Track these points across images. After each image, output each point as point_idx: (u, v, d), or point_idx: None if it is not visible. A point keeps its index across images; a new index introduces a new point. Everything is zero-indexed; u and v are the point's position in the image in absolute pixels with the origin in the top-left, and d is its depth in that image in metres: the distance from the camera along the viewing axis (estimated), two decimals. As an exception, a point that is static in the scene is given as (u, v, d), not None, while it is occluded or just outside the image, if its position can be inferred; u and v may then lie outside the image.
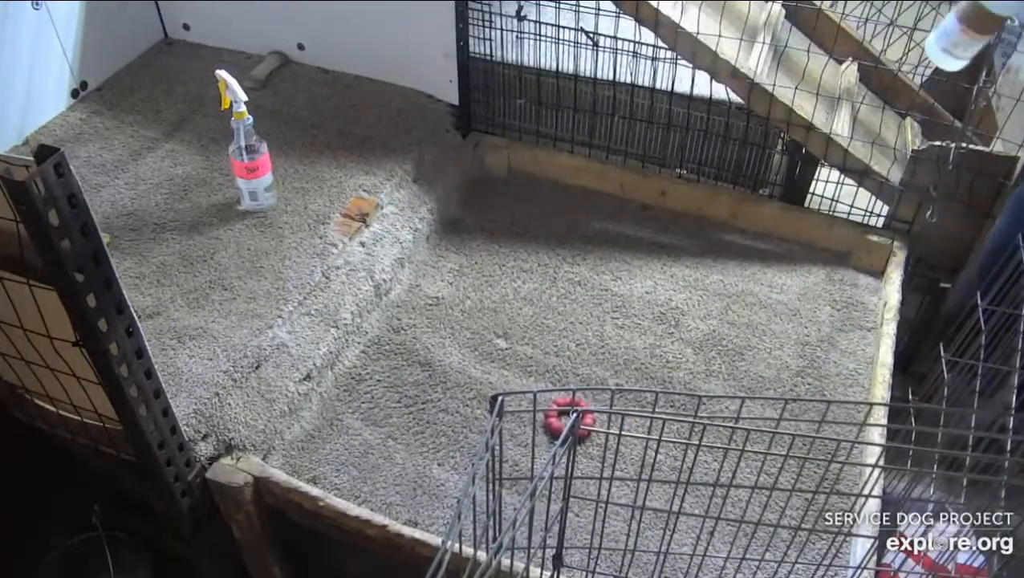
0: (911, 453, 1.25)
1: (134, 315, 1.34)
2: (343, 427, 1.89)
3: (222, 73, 2.05)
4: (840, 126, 2.27)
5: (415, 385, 1.98)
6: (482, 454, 1.03)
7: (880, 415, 1.83)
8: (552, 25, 2.29)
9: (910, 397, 1.81)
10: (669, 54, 2.25)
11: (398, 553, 1.61)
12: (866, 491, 1.24)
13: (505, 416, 1.11)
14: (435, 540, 1.59)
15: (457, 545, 0.99)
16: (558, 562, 1.38)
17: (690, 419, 1.15)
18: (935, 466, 1.37)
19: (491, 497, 1.17)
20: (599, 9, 2.22)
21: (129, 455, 1.60)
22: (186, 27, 2.84)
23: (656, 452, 1.57)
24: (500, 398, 1.10)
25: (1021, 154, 2.10)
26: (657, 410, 1.88)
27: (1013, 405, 1.39)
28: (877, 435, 1.74)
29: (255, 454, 1.75)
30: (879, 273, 2.28)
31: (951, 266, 2.33)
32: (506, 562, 1.28)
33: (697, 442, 1.15)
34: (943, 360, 1.52)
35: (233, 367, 1.80)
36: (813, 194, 2.42)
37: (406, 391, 1.96)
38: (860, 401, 1.94)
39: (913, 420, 1.28)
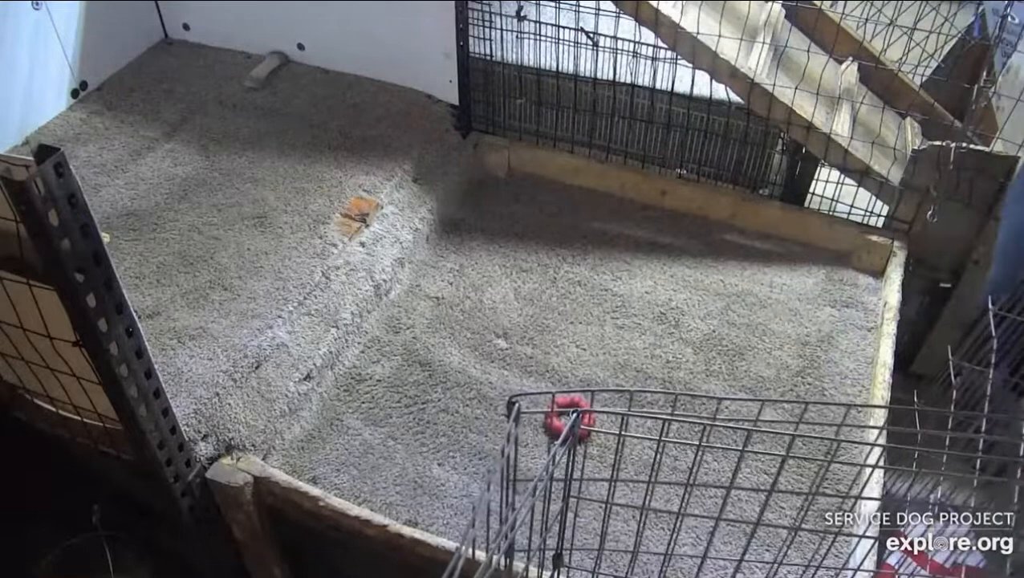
0: (916, 454, 1.24)
1: (134, 315, 1.34)
2: (343, 427, 1.88)
3: None
4: (840, 126, 2.27)
5: (415, 385, 1.98)
6: (497, 460, 1.01)
7: (880, 415, 1.83)
8: (552, 25, 2.29)
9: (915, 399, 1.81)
10: (669, 54, 2.25)
11: (398, 553, 1.61)
12: (866, 492, 1.24)
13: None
14: (435, 540, 1.59)
15: (470, 551, 0.97)
16: (558, 562, 1.38)
17: (701, 421, 1.14)
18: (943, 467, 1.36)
19: (504, 504, 1.14)
20: (599, 9, 2.22)
21: (129, 455, 1.60)
22: (186, 27, 2.83)
23: (658, 453, 1.57)
24: (517, 404, 1.03)
25: (1021, 154, 2.10)
26: (660, 410, 1.88)
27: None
28: (880, 436, 1.73)
29: (255, 454, 1.75)
30: (879, 273, 2.28)
31: (951, 266, 2.33)
32: (507, 562, 1.28)
33: (700, 443, 1.15)
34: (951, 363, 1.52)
35: (233, 367, 1.80)
36: (813, 194, 2.42)
37: (406, 391, 1.96)
38: (874, 405, 1.93)
39: (918, 422, 1.28)
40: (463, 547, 0.91)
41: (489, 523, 1.14)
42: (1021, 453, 1.17)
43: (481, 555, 1.05)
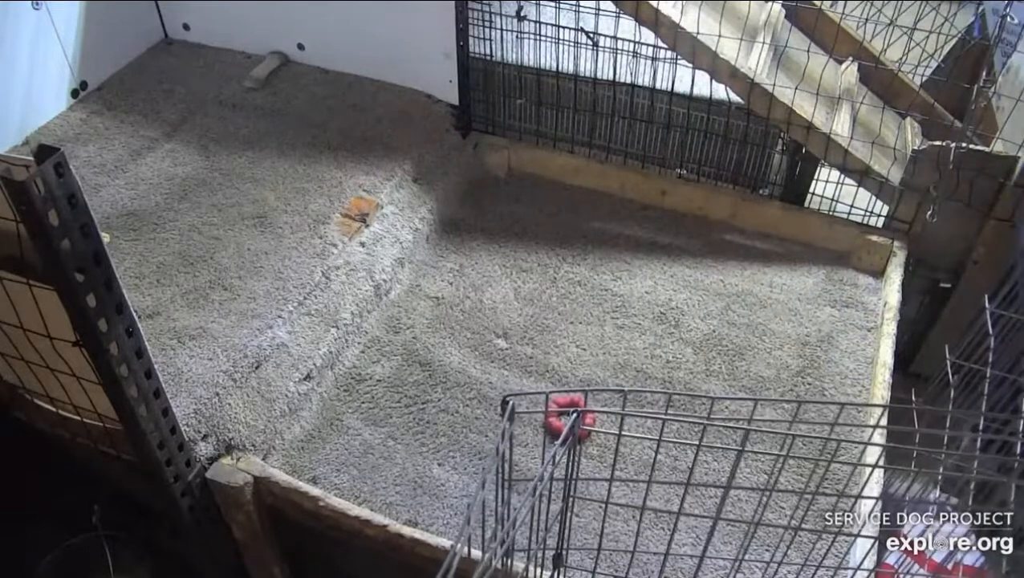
0: (915, 454, 1.24)
1: (134, 315, 1.34)
2: (343, 427, 1.88)
3: None
4: (840, 126, 2.27)
5: (415, 385, 1.98)
6: (493, 458, 1.01)
7: (877, 415, 1.83)
8: (552, 25, 2.29)
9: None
10: (669, 54, 2.25)
11: (398, 553, 1.61)
12: (866, 491, 1.23)
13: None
14: (435, 540, 1.59)
15: (466, 549, 0.97)
16: (558, 562, 1.38)
17: (699, 420, 1.14)
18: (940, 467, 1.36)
19: (500, 502, 1.14)
20: (599, 9, 2.22)
21: (129, 455, 1.60)
22: (186, 27, 2.84)
23: (656, 452, 1.57)
24: (511, 402, 1.04)
25: (1021, 154, 2.10)
26: (658, 411, 1.88)
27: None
28: (878, 435, 1.73)
29: (255, 454, 1.75)
30: (879, 273, 2.28)
31: (951, 266, 2.33)
32: (506, 562, 1.28)
33: (699, 443, 1.15)
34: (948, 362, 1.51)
35: (233, 367, 1.80)
36: (813, 194, 2.42)
37: (406, 391, 1.96)
38: (869, 403, 1.93)
39: (916, 422, 1.28)
40: (458, 545, 0.90)
41: (485, 521, 1.14)
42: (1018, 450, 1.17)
43: (478, 554, 1.05)
